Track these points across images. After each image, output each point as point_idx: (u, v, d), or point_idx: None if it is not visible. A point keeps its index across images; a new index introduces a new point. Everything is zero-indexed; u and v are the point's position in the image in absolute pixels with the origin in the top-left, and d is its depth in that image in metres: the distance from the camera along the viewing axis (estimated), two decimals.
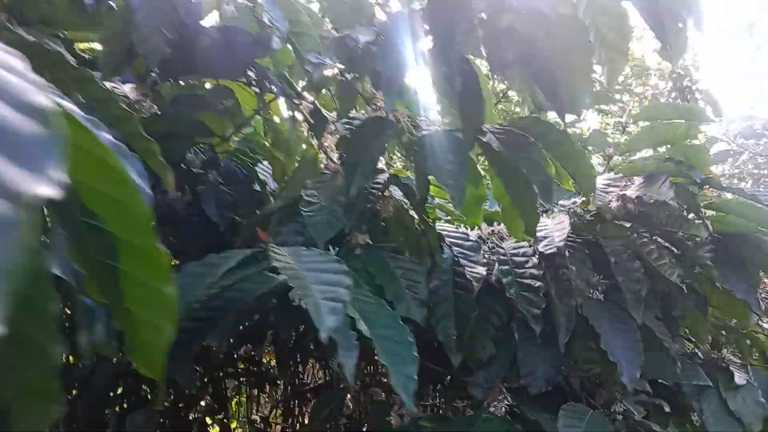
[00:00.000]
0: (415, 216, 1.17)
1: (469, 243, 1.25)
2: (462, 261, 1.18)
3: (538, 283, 1.20)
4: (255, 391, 2.44)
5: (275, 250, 0.76)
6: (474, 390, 1.25)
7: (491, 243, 1.33)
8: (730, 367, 1.57)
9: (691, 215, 1.27)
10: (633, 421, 1.20)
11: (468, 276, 1.13)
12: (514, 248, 1.31)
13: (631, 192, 1.29)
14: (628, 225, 1.41)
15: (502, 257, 1.27)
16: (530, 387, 1.22)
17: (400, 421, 1.40)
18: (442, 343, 1.19)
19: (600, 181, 1.33)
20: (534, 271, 1.23)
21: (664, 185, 1.22)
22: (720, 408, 1.53)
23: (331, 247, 1.07)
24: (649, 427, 1.16)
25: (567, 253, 1.25)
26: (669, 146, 1.30)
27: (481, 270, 1.17)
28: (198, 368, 2.00)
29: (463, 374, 1.28)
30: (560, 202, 1.39)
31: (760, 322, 1.77)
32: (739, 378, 1.55)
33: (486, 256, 1.29)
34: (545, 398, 1.45)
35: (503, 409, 1.22)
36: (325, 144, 1.24)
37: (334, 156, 1.21)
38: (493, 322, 1.28)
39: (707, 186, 1.31)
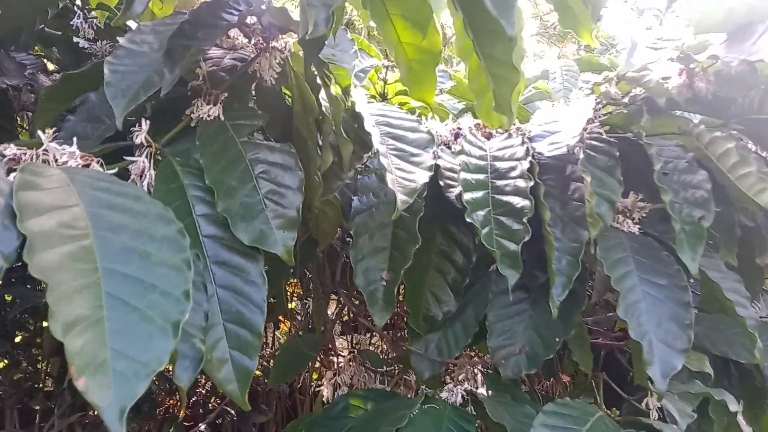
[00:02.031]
0: (320, 82, 0.70)
1: (417, 135, 0.77)
2: (393, 161, 0.70)
3: (523, 202, 0.72)
4: None
5: None
6: (417, 363, 0.81)
7: (469, 140, 0.84)
8: None
9: None
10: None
11: (390, 183, 0.66)
12: (501, 149, 0.82)
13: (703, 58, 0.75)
14: (695, 119, 0.89)
15: (478, 161, 0.79)
16: (501, 367, 0.76)
17: (331, 392, 1.00)
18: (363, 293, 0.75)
19: (648, 36, 0.80)
20: (521, 183, 0.74)
21: (761, 38, 0.69)
22: None
23: (145, 122, 0.63)
24: None
25: (582, 156, 0.75)
26: None
27: (421, 176, 0.70)
28: None
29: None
30: (582, 78, 0.87)
31: None
32: None
33: (448, 158, 0.82)
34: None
35: (459, 397, 0.77)
36: None
37: None
38: (456, 263, 0.81)
39: None
